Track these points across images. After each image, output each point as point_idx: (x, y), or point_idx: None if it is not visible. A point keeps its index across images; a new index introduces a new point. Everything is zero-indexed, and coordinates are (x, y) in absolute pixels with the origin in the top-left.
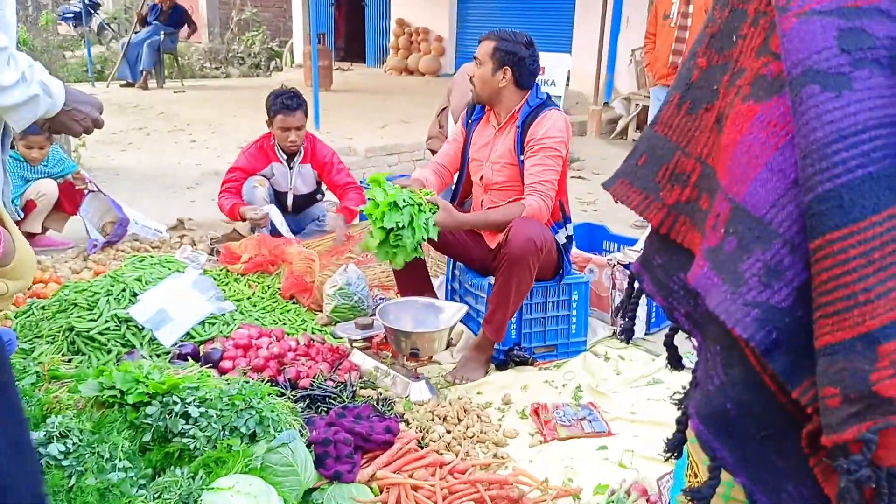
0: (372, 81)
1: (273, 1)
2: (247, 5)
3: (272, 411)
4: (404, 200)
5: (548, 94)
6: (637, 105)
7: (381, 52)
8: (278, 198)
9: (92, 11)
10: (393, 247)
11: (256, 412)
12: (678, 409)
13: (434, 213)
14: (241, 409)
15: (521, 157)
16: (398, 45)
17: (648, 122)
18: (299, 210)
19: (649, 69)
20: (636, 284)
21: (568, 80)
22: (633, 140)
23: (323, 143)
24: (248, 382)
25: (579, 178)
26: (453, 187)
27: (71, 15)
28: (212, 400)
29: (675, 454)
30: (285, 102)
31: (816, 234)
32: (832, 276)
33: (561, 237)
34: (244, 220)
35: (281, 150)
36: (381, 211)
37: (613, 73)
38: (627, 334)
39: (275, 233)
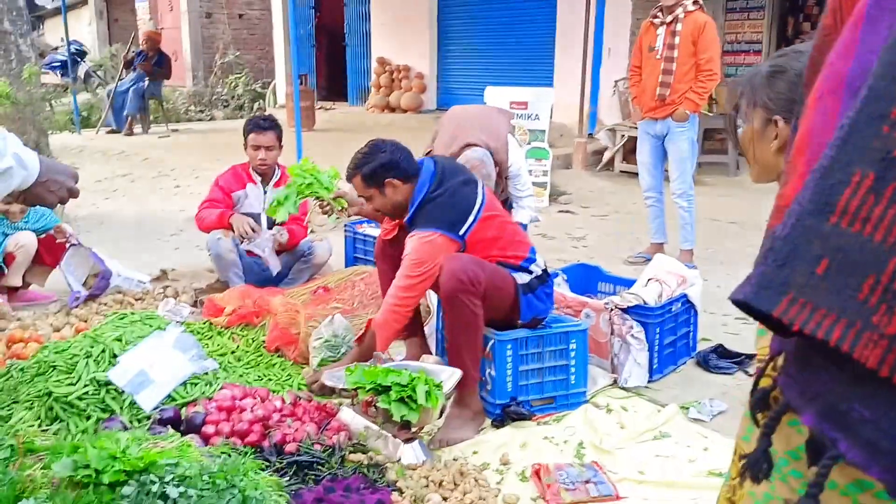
0: (355, 120)
1: (256, 44)
2: (230, 49)
3: (256, 489)
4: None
5: (425, 194)
6: (622, 136)
7: (362, 91)
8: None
9: (78, 60)
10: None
11: (239, 491)
12: None
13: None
14: (223, 489)
15: None
16: (379, 83)
17: (804, 210)
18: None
19: (636, 102)
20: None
21: (551, 112)
22: (621, 171)
23: None
24: (230, 455)
25: (567, 212)
26: None
27: (58, 64)
28: (192, 478)
29: None
30: (258, 122)
31: None
32: None
33: (520, 279)
34: (231, 228)
35: (256, 173)
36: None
37: (597, 105)
38: None
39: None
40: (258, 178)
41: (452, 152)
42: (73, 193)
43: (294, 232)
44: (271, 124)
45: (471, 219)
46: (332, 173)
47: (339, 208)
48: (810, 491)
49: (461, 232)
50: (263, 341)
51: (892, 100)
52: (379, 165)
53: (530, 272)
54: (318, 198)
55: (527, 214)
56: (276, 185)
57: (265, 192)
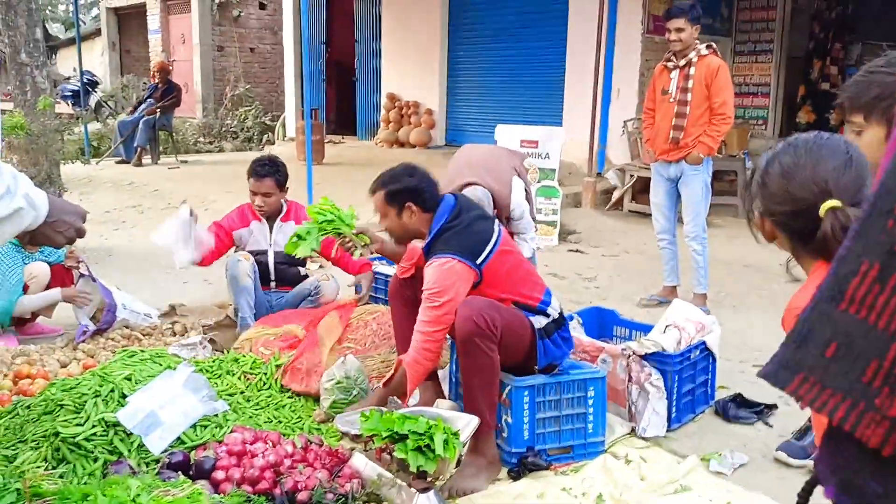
0: (363, 154)
1: (266, 77)
2: (240, 81)
3: None
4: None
5: (443, 223)
6: (631, 176)
7: (372, 126)
8: (258, 259)
9: (90, 90)
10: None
11: None
12: None
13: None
14: None
15: None
16: (389, 118)
17: (822, 296)
18: (283, 279)
19: (649, 145)
20: None
21: (561, 152)
22: (630, 211)
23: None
24: None
25: (577, 251)
26: None
27: (69, 94)
28: None
29: None
30: (255, 168)
31: None
32: None
33: (537, 323)
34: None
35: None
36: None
37: (606, 144)
38: None
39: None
40: (263, 218)
41: (453, 189)
42: (81, 233)
43: (348, 263)
44: (269, 171)
45: (488, 249)
46: (349, 212)
47: (363, 244)
48: None
49: (478, 261)
50: (274, 379)
51: (894, 196)
52: (405, 188)
53: (547, 315)
54: (339, 234)
55: (527, 248)
56: (284, 219)
57: (271, 230)
